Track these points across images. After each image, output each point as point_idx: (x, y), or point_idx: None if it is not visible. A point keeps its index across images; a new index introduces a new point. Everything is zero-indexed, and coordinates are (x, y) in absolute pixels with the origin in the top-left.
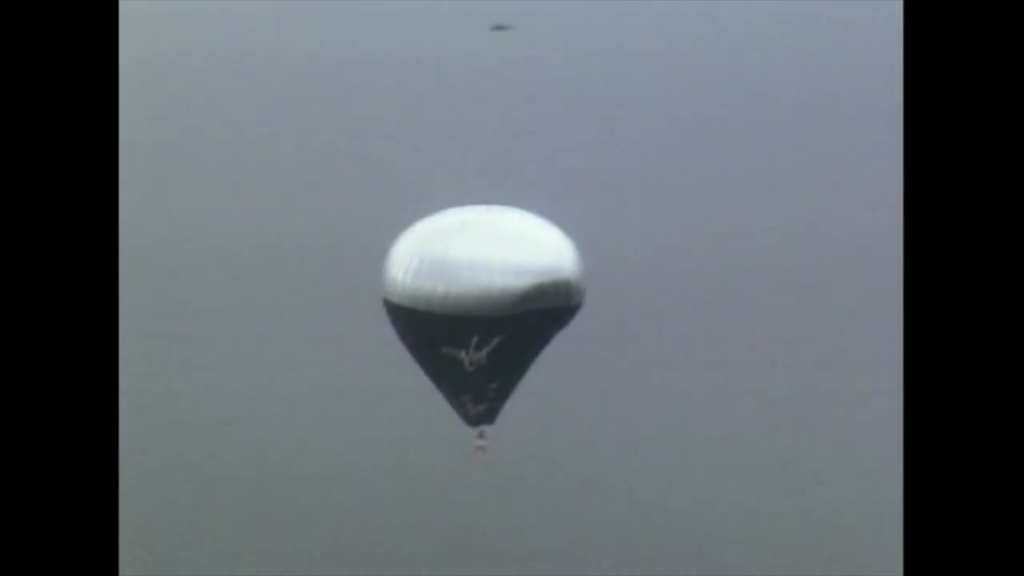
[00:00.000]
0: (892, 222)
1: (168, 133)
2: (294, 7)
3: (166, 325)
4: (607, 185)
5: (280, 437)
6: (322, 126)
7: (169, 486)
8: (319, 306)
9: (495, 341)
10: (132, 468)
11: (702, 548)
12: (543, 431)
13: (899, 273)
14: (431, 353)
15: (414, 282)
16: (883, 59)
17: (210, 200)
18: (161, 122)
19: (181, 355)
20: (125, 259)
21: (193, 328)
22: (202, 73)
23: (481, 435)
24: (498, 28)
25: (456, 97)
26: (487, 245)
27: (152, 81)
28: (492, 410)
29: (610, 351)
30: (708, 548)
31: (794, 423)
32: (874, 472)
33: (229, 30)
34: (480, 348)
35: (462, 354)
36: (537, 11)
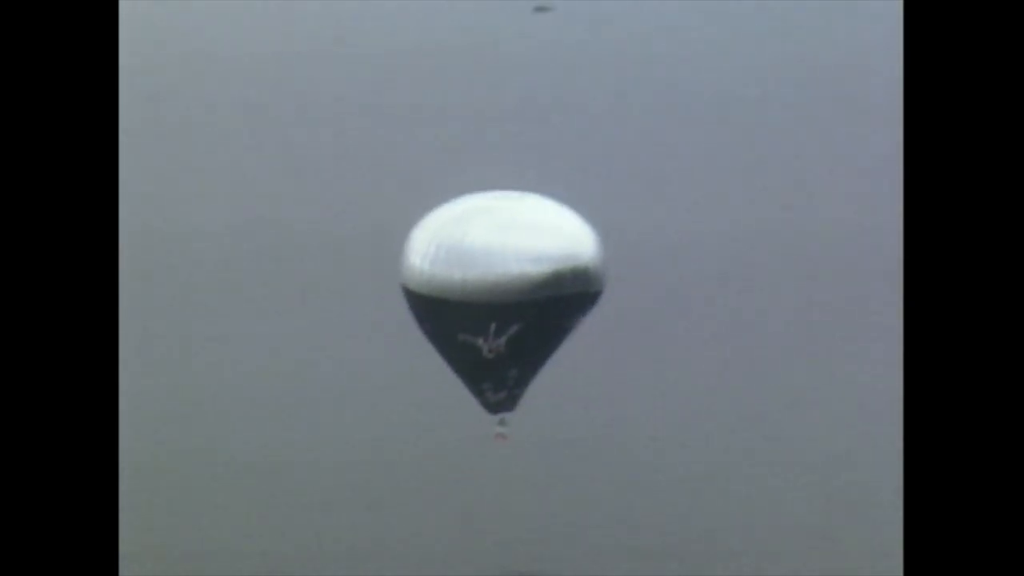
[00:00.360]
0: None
1: (179, 123)
2: None
3: (182, 315)
4: (630, 172)
5: (300, 426)
6: (343, 113)
7: (184, 473)
8: (339, 293)
9: (513, 328)
10: (141, 455)
11: (717, 537)
12: (563, 418)
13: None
14: (449, 340)
15: (431, 269)
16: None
17: (228, 190)
18: (170, 111)
19: (200, 344)
20: (133, 254)
21: (212, 318)
22: (216, 60)
23: (502, 422)
24: (540, 9)
25: (479, 82)
26: (505, 231)
27: (154, 77)
28: (512, 397)
29: (631, 338)
30: (723, 538)
31: (812, 413)
32: (879, 462)
33: (240, 16)
34: (498, 335)
35: (480, 341)
36: None
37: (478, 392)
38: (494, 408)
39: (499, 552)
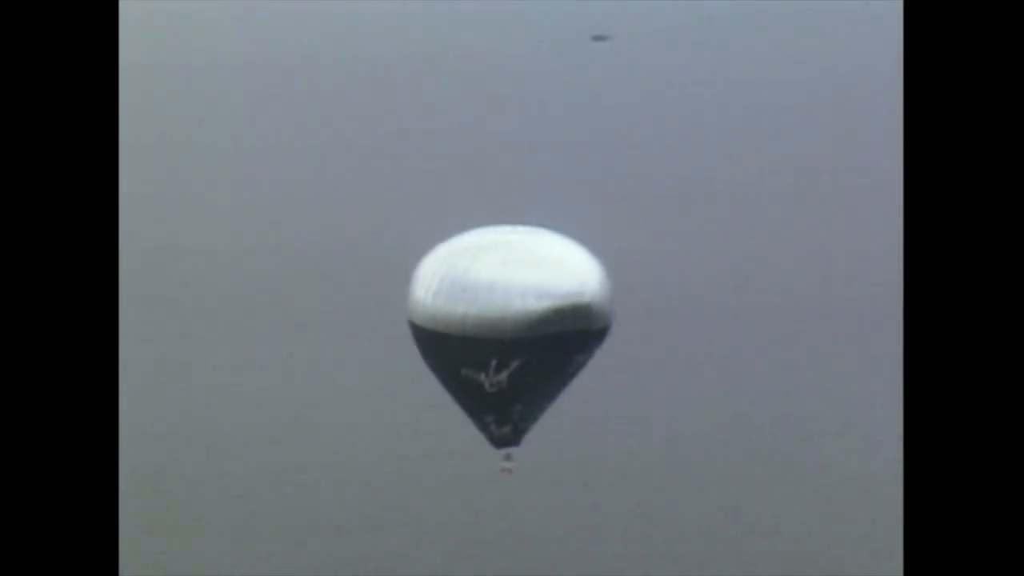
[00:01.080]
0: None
1: (179, 123)
2: (321, 7)
3: (184, 343)
4: (641, 207)
5: (306, 459)
6: (355, 140)
7: (186, 504)
8: (348, 326)
9: (515, 364)
10: (141, 484)
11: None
12: (570, 453)
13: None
14: (452, 375)
15: (434, 303)
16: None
17: (237, 216)
18: (170, 111)
19: (206, 375)
20: (131, 267)
21: (221, 349)
22: (217, 60)
23: (508, 457)
24: (599, 39)
25: (492, 115)
26: (509, 267)
27: (152, 81)
28: (517, 432)
29: (639, 374)
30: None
31: (820, 448)
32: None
33: (242, 18)
34: (499, 371)
35: (482, 376)
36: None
37: (483, 426)
38: (499, 442)
39: None
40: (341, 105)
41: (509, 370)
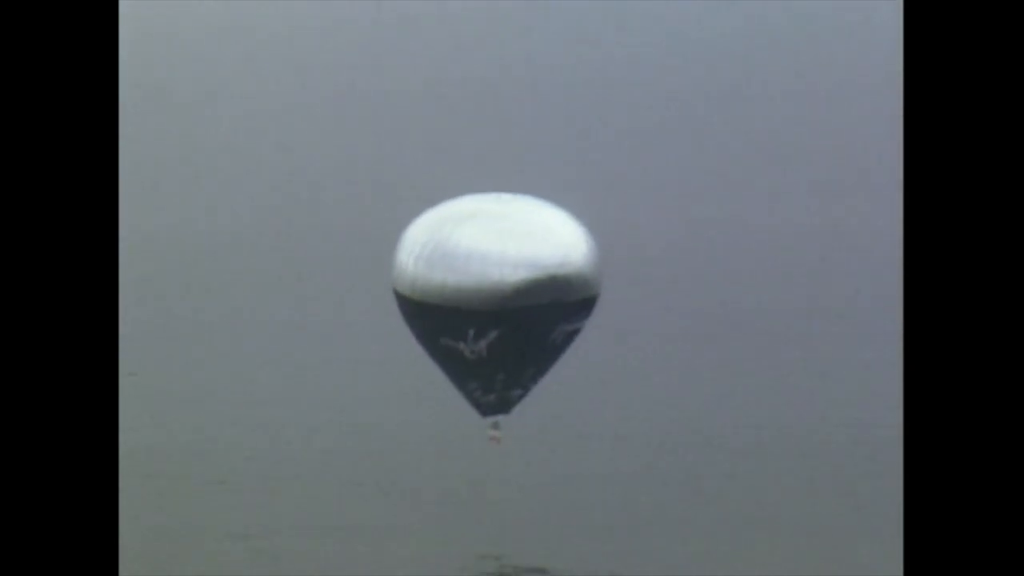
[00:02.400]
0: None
1: (170, 129)
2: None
3: (170, 316)
4: (632, 175)
5: (292, 430)
6: (344, 110)
7: (171, 483)
8: (333, 294)
9: (492, 334)
10: (134, 467)
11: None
12: (557, 424)
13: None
14: (433, 343)
15: (415, 270)
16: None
17: (219, 193)
18: (162, 119)
19: (190, 348)
20: (127, 256)
21: (205, 321)
22: (208, 68)
23: (495, 425)
24: None
25: (478, 83)
26: (492, 235)
27: (152, 81)
28: (504, 400)
29: (627, 345)
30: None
31: (814, 412)
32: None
33: (236, 28)
34: (477, 340)
35: (460, 345)
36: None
37: (467, 393)
38: (486, 410)
39: (494, 546)
40: (328, 71)
41: (487, 340)
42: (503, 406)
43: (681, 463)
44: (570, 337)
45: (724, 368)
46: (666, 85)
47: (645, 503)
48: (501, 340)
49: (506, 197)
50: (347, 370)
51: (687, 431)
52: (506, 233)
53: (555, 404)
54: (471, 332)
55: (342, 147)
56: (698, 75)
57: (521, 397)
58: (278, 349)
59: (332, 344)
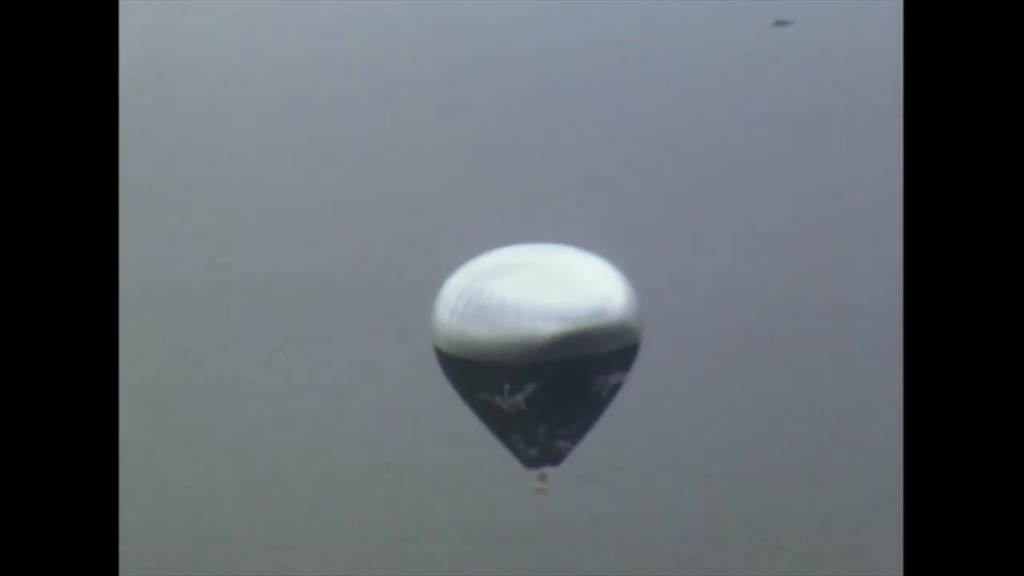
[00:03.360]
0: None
1: (181, 123)
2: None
3: (211, 365)
4: (674, 225)
5: (340, 486)
6: (379, 158)
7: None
8: (373, 349)
9: (529, 388)
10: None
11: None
12: (607, 475)
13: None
14: (472, 397)
15: (450, 325)
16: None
17: (259, 236)
18: (172, 111)
19: (235, 398)
20: (135, 293)
21: (258, 372)
22: (219, 60)
23: (541, 477)
24: (781, 23)
25: (517, 131)
26: (527, 288)
27: (154, 78)
28: (548, 452)
29: (674, 393)
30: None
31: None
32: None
33: (247, 16)
34: (514, 394)
35: (497, 399)
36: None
37: (511, 446)
38: (530, 463)
39: None
40: (364, 121)
41: (524, 393)
42: (550, 458)
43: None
44: (616, 387)
45: (767, 411)
46: (697, 128)
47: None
48: (539, 393)
49: (543, 248)
50: (386, 423)
51: (723, 470)
52: (540, 285)
53: (604, 453)
54: (506, 386)
55: (374, 201)
56: (753, 117)
57: (570, 449)
58: (316, 402)
59: (369, 398)
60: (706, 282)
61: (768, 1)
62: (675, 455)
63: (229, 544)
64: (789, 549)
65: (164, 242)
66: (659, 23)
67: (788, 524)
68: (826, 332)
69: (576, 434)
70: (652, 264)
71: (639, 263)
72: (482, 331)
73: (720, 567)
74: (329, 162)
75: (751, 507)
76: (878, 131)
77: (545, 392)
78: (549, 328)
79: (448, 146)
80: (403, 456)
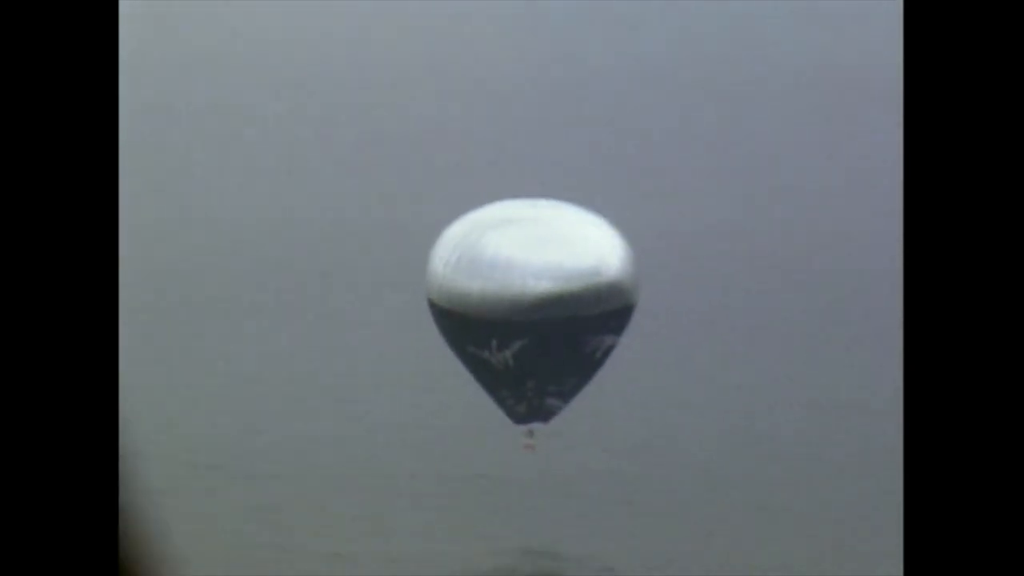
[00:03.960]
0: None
1: (182, 124)
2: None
3: (203, 322)
4: (680, 188)
5: (323, 432)
6: (377, 111)
7: (193, 481)
8: (369, 300)
9: (517, 344)
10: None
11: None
12: (588, 431)
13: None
14: (461, 350)
15: (443, 277)
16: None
17: (241, 193)
18: (172, 112)
19: (220, 352)
20: (134, 256)
21: (247, 326)
22: (220, 60)
23: (529, 433)
24: None
25: (517, 87)
26: (521, 243)
27: (154, 77)
28: (538, 409)
29: (673, 352)
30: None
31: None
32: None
33: (248, 15)
34: (501, 350)
35: (485, 354)
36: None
37: (500, 401)
38: (519, 418)
39: (515, 533)
40: (363, 76)
41: (512, 350)
42: (539, 415)
43: (716, 465)
44: (609, 349)
45: (765, 375)
46: (725, 87)
47: (657, 501)
48: (528, 350)
49: (543, 203)
50: (377, 375)
51: (702, 431)
52: (536, 241)
53: (594, 413)
54: (494, 342)
55: (373, 152)
56: (753, 77)
57: (560, 407)
58: (311, 356)
59: (363, 350)
60: (706, 244)
61: (769, 1)
62: (668, 417)
63: (220, 471)
64: (788, 510)
65: (161, 184)
66: None
67: (783, 482)
68: (825, 298)
69: (568, 393)
70: (654, 226)
71: (642, 225)
72: (473, 284)
73: (710, 525)
74: (334, 109)
75: (744, 470)
76: (881, 87)
77: (534, 350)
78: (540, 286)
79: (455, 96)
80: (395, 407)
